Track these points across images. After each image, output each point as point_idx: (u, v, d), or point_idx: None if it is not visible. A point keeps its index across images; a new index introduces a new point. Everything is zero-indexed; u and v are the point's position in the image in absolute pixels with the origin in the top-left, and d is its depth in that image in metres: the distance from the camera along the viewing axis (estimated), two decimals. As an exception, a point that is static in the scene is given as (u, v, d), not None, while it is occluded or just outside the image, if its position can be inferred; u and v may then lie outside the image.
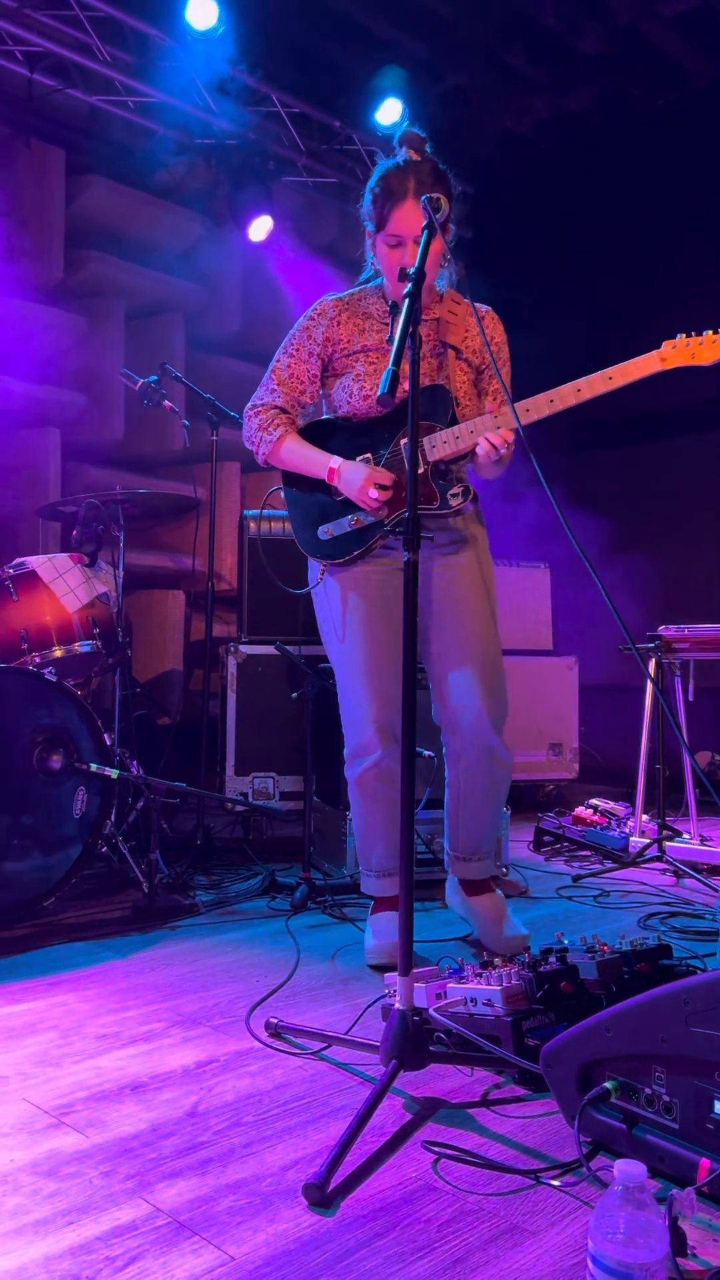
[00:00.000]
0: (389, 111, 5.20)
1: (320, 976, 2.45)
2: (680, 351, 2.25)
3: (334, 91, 5.34)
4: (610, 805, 4.11)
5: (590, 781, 5.08)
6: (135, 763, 3.31)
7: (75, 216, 4.84)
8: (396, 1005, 1.74)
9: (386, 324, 2.55)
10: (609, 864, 3.69)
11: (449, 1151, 1.60)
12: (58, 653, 3.23)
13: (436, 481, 2.50)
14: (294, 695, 3.31)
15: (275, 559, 3.68)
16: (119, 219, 5.00)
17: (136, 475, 4.99)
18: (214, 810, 3.94)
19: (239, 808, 3.86)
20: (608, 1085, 1.52)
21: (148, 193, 5.09)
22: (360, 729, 2.57)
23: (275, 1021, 2.07)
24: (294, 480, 2.64)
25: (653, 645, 3.80)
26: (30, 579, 3.26)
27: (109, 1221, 1.41)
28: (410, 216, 2.39)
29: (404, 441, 2.51)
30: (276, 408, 2.61)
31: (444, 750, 2.69)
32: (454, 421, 2.48)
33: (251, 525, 4.06)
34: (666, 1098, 1.48)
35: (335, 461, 2.51)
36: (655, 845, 3.66)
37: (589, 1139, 1.58)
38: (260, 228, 5.17)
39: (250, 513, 4.12)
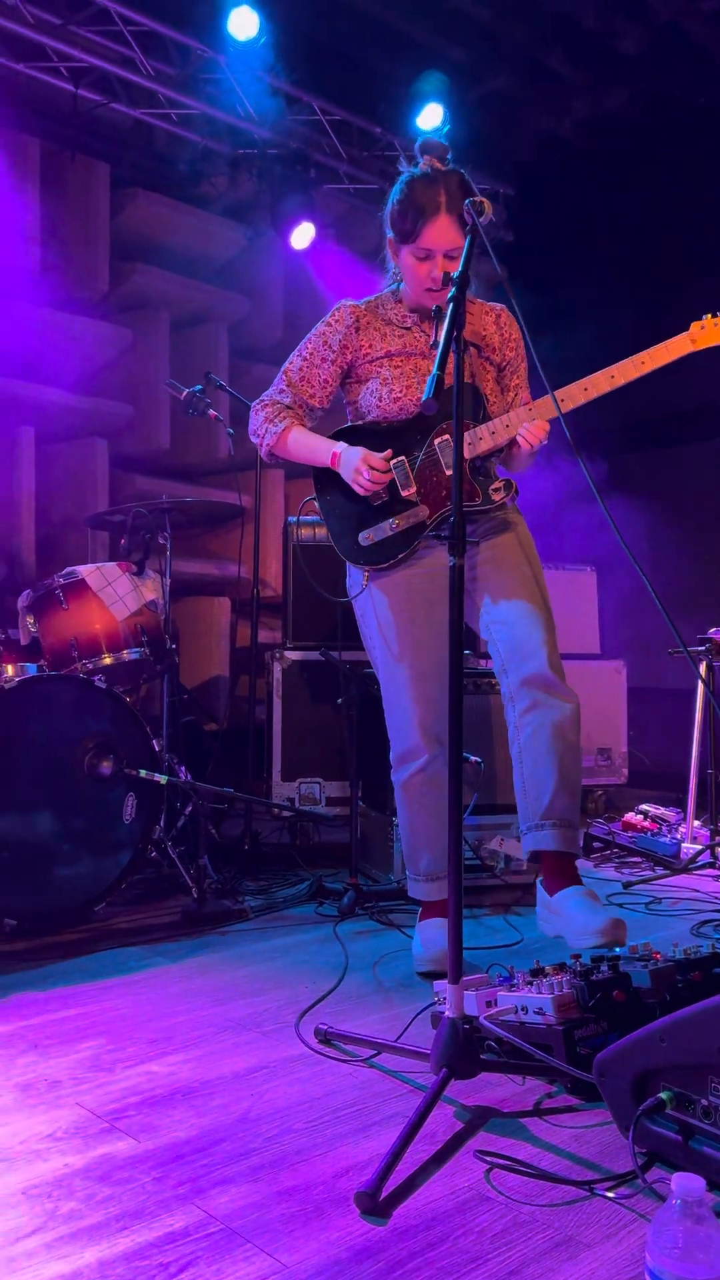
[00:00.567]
0: (429, 116, 5.19)
1: (368, 983, 2.44)
2: (710, 332, 2.27)
3: (374, 98, 5.36)
4: (661, 811, 4.06)
5: (640, 787, 5.02)
6: (183, 768, 3.33)
7: (120, 229, 4.90)
8: (447, 1013, 1.73)
9: (407, 328, 2.58)
10: (660, 870, 3.64)
11: (501, 1161, 1.59)
12: (107, 660, 3.27)
13: (477, 479, 2.50)
14: (338, 701, 3.32)
15: (317, 565, 3.69)
16: (163, 231, 5.06)
17: (182, 484, 5.03)
18: (261, 816, 3.95)
19: (285, 813, 3.87)
20: (663, 1096, 1.50)
21: (191, 204, 5.14)
22: (406, 735, 2.56)
23: (325, 1028, 2.07)
24: (328, 488, 2.65)
25: (704, 648, 3.75)
26: (80, 588, 3.30)
27: (162, 1228, 1.42)
28: (442, 232, 2.42)
29: (438, 441, 2.51)
30: (284, 405, 2.63)
31: (505, 706, 2.50)
32: (486, 418, 2.48)
33: (295, 532, 4.07)
34: (724, 1109, 1.45)
35: (338, 447, 2.52)
36: (708, 851, 3.60)
37: (644, 1150, 1.56)
38: (302, 235, 5.20)
39: (294, 519, 4.13)
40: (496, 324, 2.62)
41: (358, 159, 5.41)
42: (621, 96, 5.62)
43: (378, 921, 2.97)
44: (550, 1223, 1.43)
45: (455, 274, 1.90)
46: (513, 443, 2.44)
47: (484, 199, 2.09)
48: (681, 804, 3.94)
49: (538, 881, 2.50)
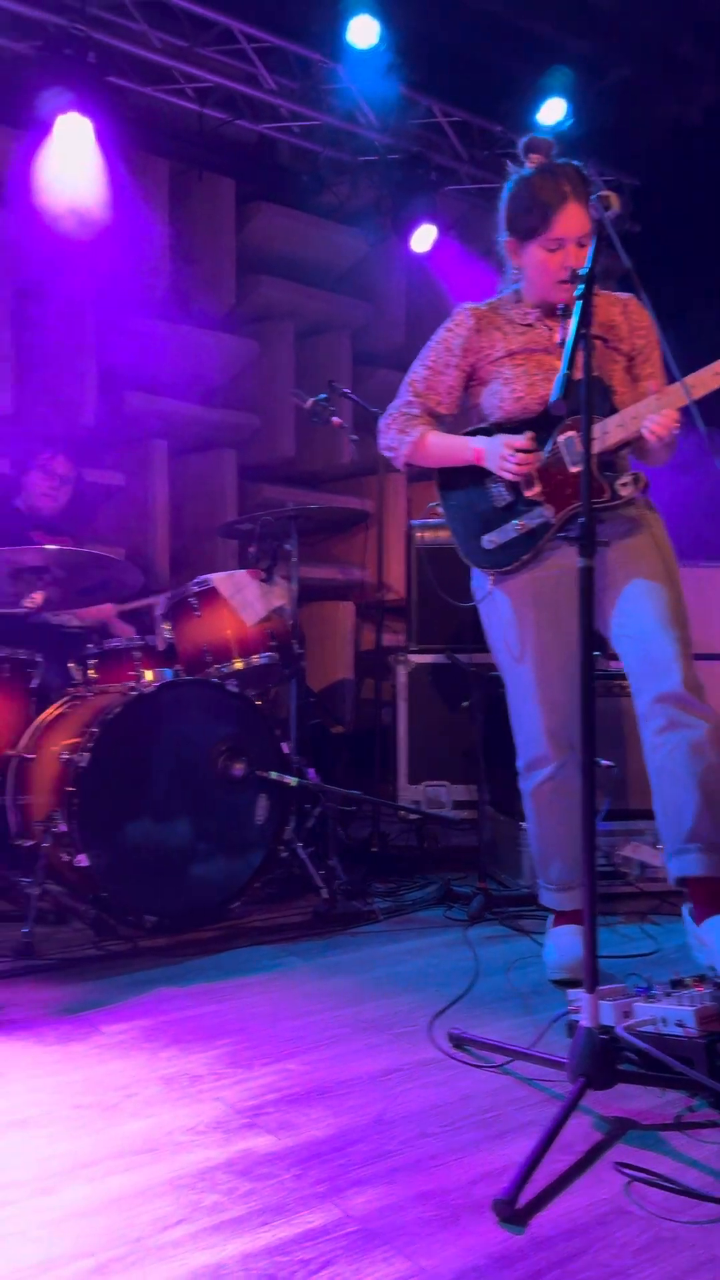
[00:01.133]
0: (551, 111, 5.12)
1: (499, 989, 2.42)
2: None
3: (494, 96, 5.32)
4: None
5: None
6: (312, 770, 3.38)
7: (244, 243, 5.01)
8: (583, 1022, 1.71)
9: (529, 325, 2.54)
10: None
11: (642, 1175, 1.56)
12: (238, 665, 3.35)
13: (604, 474, 2.44)
14: (464, 704, 3.31)
15: (441, 568, 3.69)
16: (286, 242, 5.15)
17: (306, 490, 5.11)
18: (388, 818, 3.97)
19: (412, 816, 3.87)
20: None
21: (313, 213, 5.21)
22: (534, 742, 2.54)
23: (458, 1032, 2.06)
24: (451, 491, 2.64)
25: None
26: (212, 595, 3.40)
27: (302, 1224, 1.45)
28: (573, 219, 2.39)
29: (562, 438, 2.47)
30: (412, 415, 2.63)
31: (639, 722, 2.41)
32: (613, 411, 2.42)
33: (418, 535, 4.08)
34: None
35: (477, 442, 2.50)
36: None
37: None
38: (424, 238, 5.20)
39: (417, 522, 4.14)
40: (624, 312, 2.56)
41: (479, 158, 5.39)
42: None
43: (507, 927, 2.95)
44: (695, 1241, 1.39)
45: (582, 270, 1.88)
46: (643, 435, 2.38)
47: (611, 193, 2.05)
48: None
49: (685, 909, 2.44)
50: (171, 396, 4.71)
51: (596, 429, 2.41)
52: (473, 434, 2.58)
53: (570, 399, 1.83)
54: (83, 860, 2.73)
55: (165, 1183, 1.56)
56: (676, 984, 1.91)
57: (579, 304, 1.85)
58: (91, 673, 3.24)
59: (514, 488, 2.51)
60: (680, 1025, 1.77)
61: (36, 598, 3.05)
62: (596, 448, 2.41)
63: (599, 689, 3.29)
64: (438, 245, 5.28)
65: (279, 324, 5.13)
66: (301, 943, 2.83)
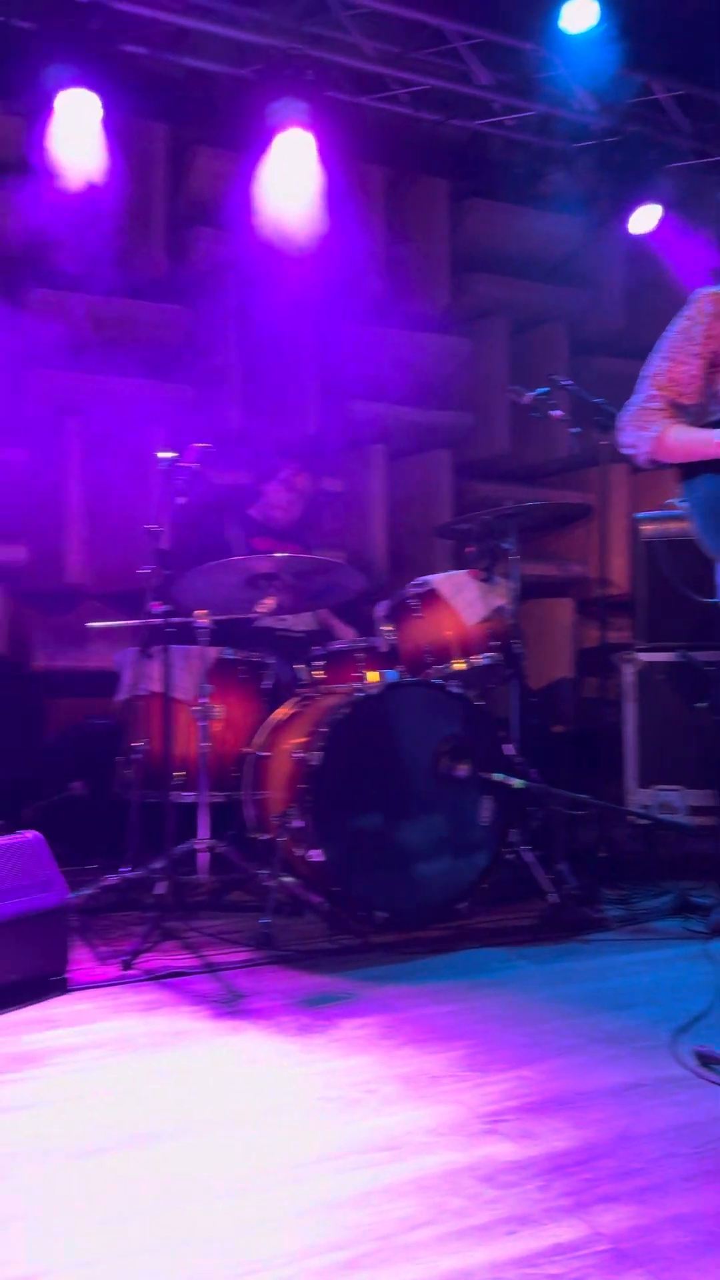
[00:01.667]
0: (779, 74, 4.81)
1: (747, 1006, 2.29)
2: None
3: (717, 67, 5.05)
4: None
5: None
6: (535, 771, 3.33)
7: (458, 242, 5.00)
8: None
9: None
10: None
11: None
12: (459, 666, 3.35)
13: None
14: (700, 704, 3.16)
15: (674, 562, 3.54)
16: (499, 237, 5.10)
17: (523, 486, 5.04)
18: (614, 822, 3.85)
19: (643, 821, 3.74)
20: None
21: (526, 206, 5.14)
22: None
23: (705, 1050, 1.97)
24: (693, 483, 2.51)
25: None
26: (432, 596, 3.41)
27: (549, 1238, 1.42)
28: None
29: None
30: (653, 409, 2.52)
31: None
32: None
33: (644, 528, 3.93)
34: None
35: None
36: None
37: None
38: (644, 219, 5.01)
39: (645, 515, 3.99)
40: None
41: (703, 133, 5.14)
42: None
43: (751, 940, 2.79)
44: None
45: None
46: None
47: None
48: None
49: None
50: (388, 401, 4.77)
51: None
52: (717, 425, 2.46)
53: None
54: (317, 855, 2.81)
55: (409, 1183, 1.57)
56: None
57: None
58: (318, 674, 3.33)
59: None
60: None
61: (268, 603, 3.17)
62: None
63: None
64: (658, 225, 5.07)
65: (493, 320, 5.09)
66: (531, 947, 2.79)
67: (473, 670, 3.38)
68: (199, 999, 2.41)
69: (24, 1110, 1.85)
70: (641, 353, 2.59)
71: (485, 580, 3.43)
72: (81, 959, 2.67)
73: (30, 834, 2.58)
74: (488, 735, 3.08)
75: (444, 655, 3.38)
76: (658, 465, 2.57)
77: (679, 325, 2.51)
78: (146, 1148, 1.70)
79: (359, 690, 3.04)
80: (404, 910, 2.90)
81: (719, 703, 3.05)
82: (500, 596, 3.47)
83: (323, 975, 2.59)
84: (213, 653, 3.28)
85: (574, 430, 3.87)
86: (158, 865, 2.95)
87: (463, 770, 2.99)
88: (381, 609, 3.52)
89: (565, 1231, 1.44)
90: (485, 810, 3.04)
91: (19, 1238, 1.44)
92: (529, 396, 3.77)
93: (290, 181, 4.26)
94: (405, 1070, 1.98)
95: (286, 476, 3.99)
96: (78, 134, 3.92)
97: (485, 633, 3.42)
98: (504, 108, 4.78)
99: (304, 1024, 2.24)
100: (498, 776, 3.00)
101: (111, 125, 3.99)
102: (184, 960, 2.68)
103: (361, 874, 2.88)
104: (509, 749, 3.18)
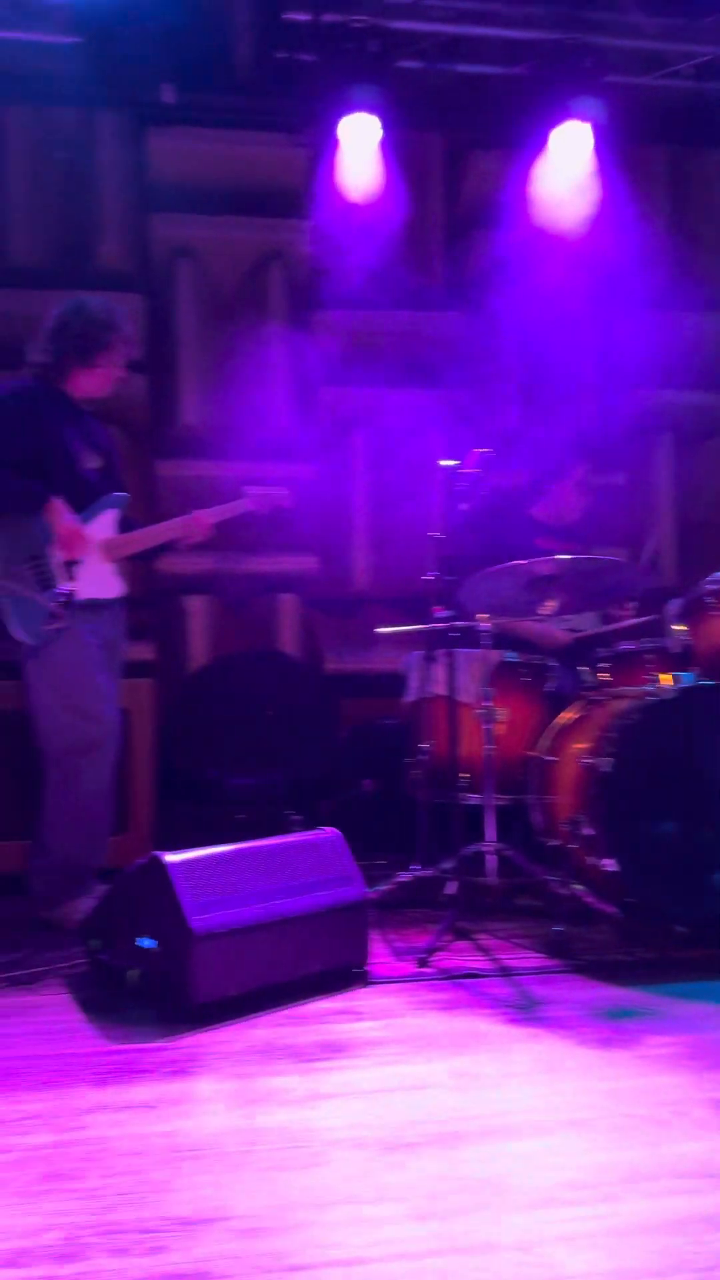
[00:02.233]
0: None
1: None
2: None
3: None
4: None
5: None
6: None
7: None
8: None
9: None
10: None
11: None
12: (762, 667, 3.14)
13: None
14: None
15: None
16: None
17: None
18: None
19: None
20: None
21: None
22: None
23: None
24: None
25: None
26: (730, 594, 3.23)
27: None
28: None
29: None
30: None
31: None
32: None
33: None
34: None
35: None
36: None
37: None
38: None
39: None
40: None
41: None
42: None
43: None
44: None
45: None
46: None
47: None
48: None
49: None
50: (674, 386, 4.57)
51: None
52: None
53: None
54: (609, 864, 2.75)
55: (732, 1215, 1.50)
56: None
57: None
58: (604, 676, 3.25)
59: None
60: None
61: (550, 605, 3.14)
62: None
63: None
64: None
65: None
66: None
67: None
68: (496, 1003, 2.43)
69: (337, 1099, 1.94)
70: None
71: (790, 574, 3.21)
72: (379, 953, 2.77)
73: (330, 831, 2.71)
74: None
75: (744, 656, 3.19)
76: None
77: None
78: (451, 1148, 1.74)
79: (652, 694, 2.93)
80: (705, 924, 2.77)
81: None
82: None
83: (621, 988, 2.52)
84: (495, 656, 3.29)
85: None
86: (448, 865, 3.00)
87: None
88: (673, 607, 3.37)
89: None
90: None
91: (342, 1220, 1.52)
92: None
93: (567, 171, 4.20)
94: (717, 1095, 1.89)
95: (578, 477, 3.91)
96: (359, 157, 4.07)
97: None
98: None
99: (605, 1037, 2.20)
100: None
101: (389, 142, 4.10)
102: (478, 962, 2.71)
103: (657, 885, 2.78)
104: None
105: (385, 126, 4.04)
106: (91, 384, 3.23)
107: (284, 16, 3.97)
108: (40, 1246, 1.45)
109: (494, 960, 2.71)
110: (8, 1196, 1.59)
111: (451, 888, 2.91)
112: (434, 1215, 1.52)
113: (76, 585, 3.03)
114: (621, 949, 2.81)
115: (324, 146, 4.11)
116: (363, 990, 2.53)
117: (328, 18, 3.95)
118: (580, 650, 3.52)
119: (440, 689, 3.17)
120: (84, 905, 2.94)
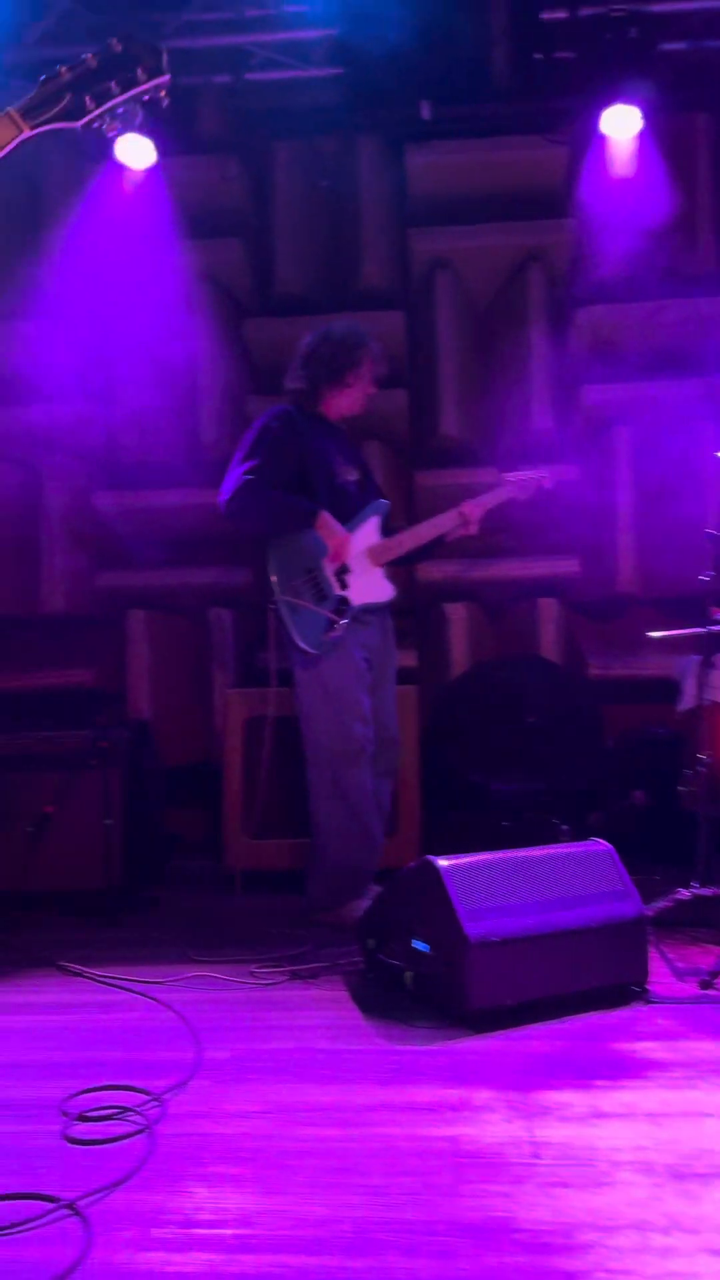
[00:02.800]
0: None
1: None
2: None
3: None
4: None
5: None
6: None
7: None
8: None
9: None
10: None
11: None
12: None
13: None
14: None
15: None
16: None
17: None
18: None
19: None
20: None
21: None
22: None
23: None
24: None
25: None
26: None
27: None
28: None
29: None
30: None
31: None
32: None
33: None
34: None
35: None
36: None
37: None
38: None
39: None
40: None
41: None
42: None
43: None
44: None
45: None
46: None
47: None
48: None
49: None
50: None
51: None
52: None
53: None
54: None
55: None
56: None
57: None
58: None
59: None
60: None
61: None
62: None
63: None
64: None
65: None
66: None
67: None
68: (789, 1032, 2.27)
69: (620, 1119, 1.88)
70: None
71: None
72: (658, 973, 2.66)
73: (602, 843, 2.64)
74: None
75: None
76: None
77: None
78: (747, 1183, 1.63)
79: None
80: None
81: None
82: None
83: None
84: (782, 661, 3.08)
85: None
86: (731, 884, 2.84)
87: None
88: None
89: None
90: None
91: (630, 1246, 1.47)
92: None
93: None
94: None
95: None
96: (621, 147, 3.97)
97: None
98: None
99: None
100: None
101: (650, 128, 3.97)
102: (766, 987, 2.54)
103: None
104: None
105: (647, 113, 3.91)
106: (345, 403, 3.34)
107: (541, 16, 3.94)
108: (334, 1237, 1.50)
109: (785, 987, 2.53)
110: (300, 1186, 1.66)
111: (735, 907, 2.75)
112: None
113: (350, 593, 3.15)
114: None
115: (583, 142, 4.04)
116: (643, 1009, 2.44)
117: (585, 11, 3.88)
118: None
119: (719, 696, 3.02)
120: (361, 905, 3.03)
